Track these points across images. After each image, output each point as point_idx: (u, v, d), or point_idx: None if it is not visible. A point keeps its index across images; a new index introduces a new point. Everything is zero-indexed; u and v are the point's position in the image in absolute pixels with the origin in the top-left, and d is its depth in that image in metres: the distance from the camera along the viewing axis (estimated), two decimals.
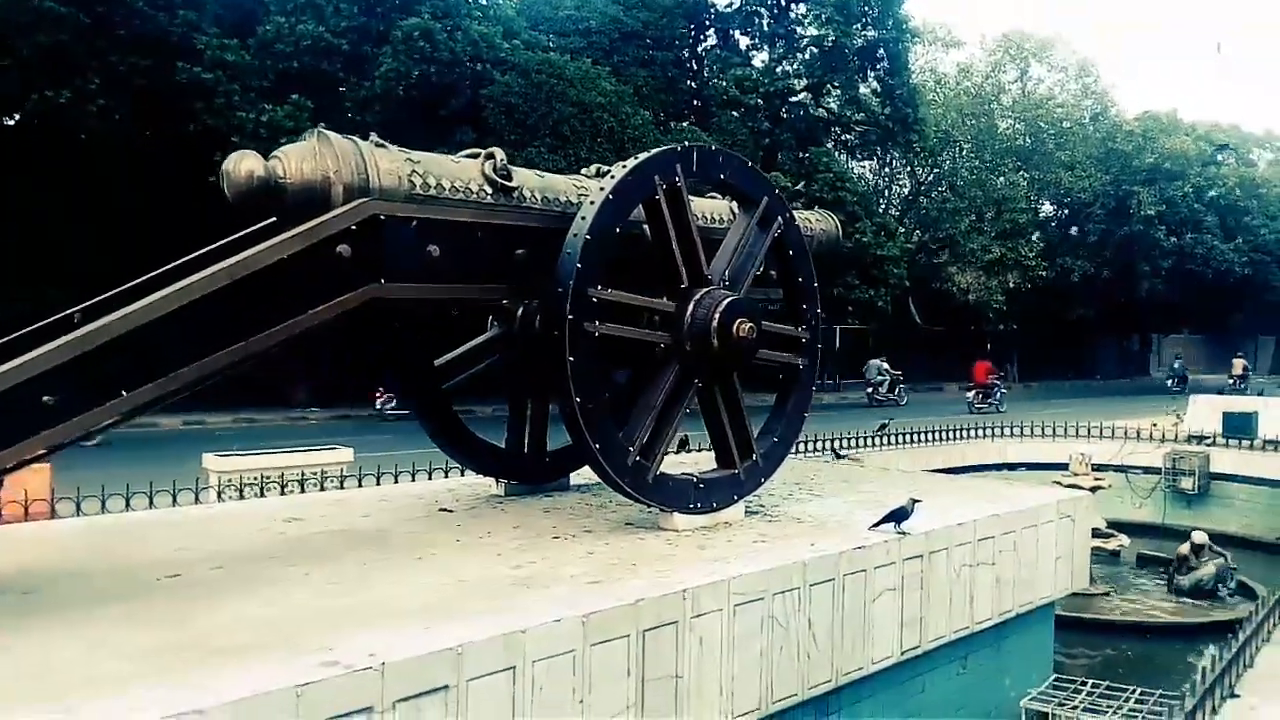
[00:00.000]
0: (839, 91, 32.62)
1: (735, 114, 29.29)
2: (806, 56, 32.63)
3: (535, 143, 21.00)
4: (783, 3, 32.33)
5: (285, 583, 4.07)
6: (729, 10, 32.75)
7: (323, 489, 8.16)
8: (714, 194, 6.42)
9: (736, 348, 5.26)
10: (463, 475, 7.16)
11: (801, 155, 30.44)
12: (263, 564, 4.44)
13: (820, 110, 33.26)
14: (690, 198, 6.28)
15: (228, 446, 11.47)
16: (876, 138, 35.09)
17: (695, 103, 31.11)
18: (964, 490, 6.92)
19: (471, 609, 3.68)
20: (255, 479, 8.90)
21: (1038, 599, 6.38)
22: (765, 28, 32.56)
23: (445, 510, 5.85)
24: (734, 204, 5.98)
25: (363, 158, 4.54)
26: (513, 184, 5.10)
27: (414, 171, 4.72)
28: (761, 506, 6.05)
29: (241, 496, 8.12)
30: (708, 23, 32.27)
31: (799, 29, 32.29)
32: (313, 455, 9.69)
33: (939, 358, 41.60)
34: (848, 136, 35.65)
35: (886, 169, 42.06)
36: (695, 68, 31.93)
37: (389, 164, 4.64)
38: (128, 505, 7.20)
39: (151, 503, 7.34)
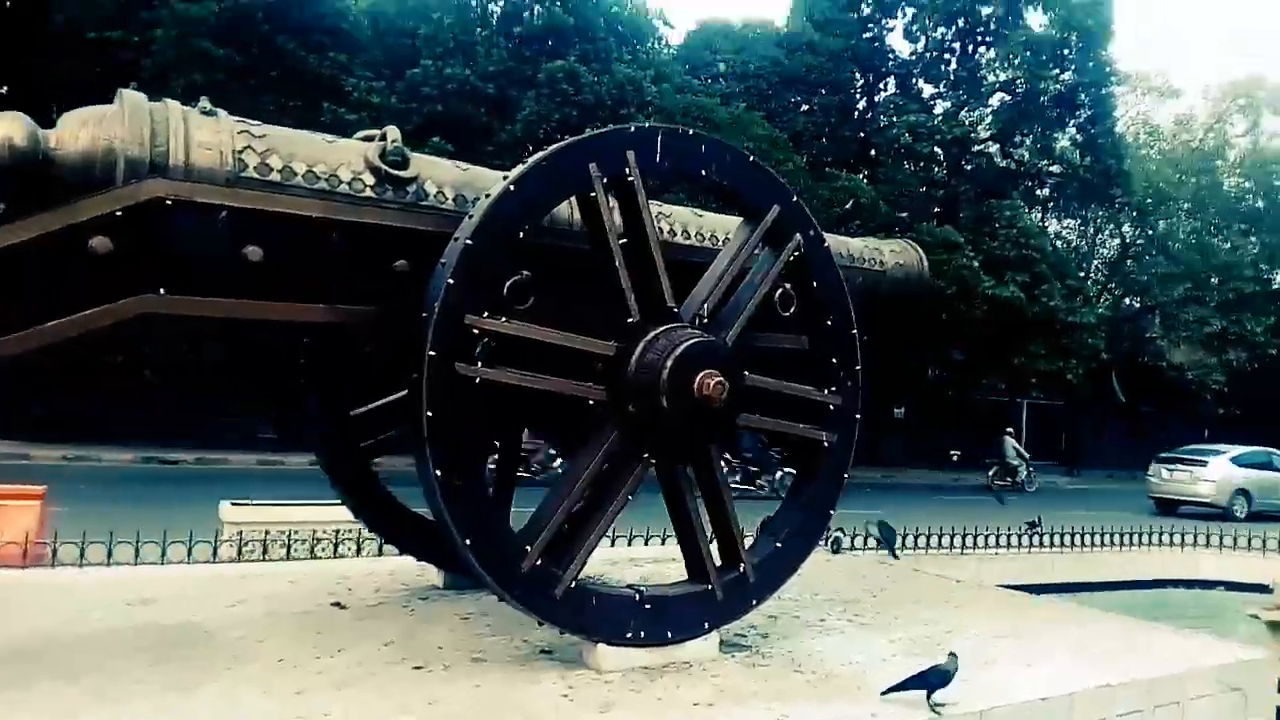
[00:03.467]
0: (1030, 140, 29.71)
1: (909, 165, 27.08)
2: (995, 104, 30.01)
3: (676, 188, 19.85)
4: (969, 48, 29.95)
5: None
6: (912, 57, 30.69)
7: (313, 554, 7.13)
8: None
9: (698, 410, 3.67)
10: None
11: (983, 210, 27.74)
12: None
13: (1007, 161, 30.38)
14: (690, 210, 4.83)
15: (303, 492, 10.65)
16: (1074, 192, 31.70)
17: (868, 152, 29.12)
18: (1074, 633, 4.87)
19: None
20: (265, 534, 7.94)
21: None
22: (950, 74, 30.22)
23: (338, 605, 4.51)
24: None
25: (166, 124, 3.36)
26: (405, 173, 3.79)
27: (248, 148, 3.49)
28: (761, 636, 4.34)
29: (265, 553, 7.13)
30: (884, 69, 30.31)
31: (987, 75, 29.77)
32: (333, 509, 8.69)
33: (1145, 440, 36.78)
34: (1040, 191, 32.43)
35: (1088, 228, 38.16)
36: (866, 114, 29.94)
37: (209, 135, 3.43)
38: (109, 557, 6.27)
39: (137, 556, 6.34)
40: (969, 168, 29.67)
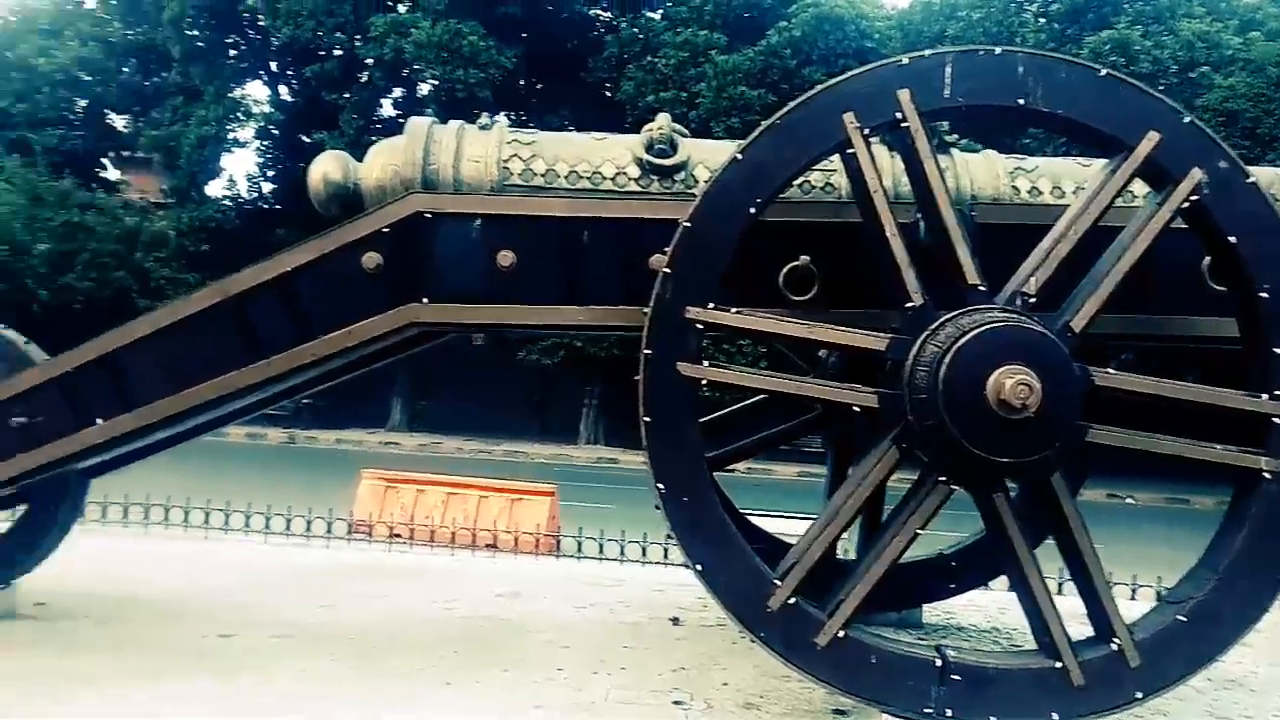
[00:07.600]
0: None
1: None
2: None
3: (1271, 155, 16.06)
4: None
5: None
6: None
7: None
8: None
9: (1000, 421, 2.72)
10: None
11: None
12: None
13: None
14: (1068, 161, 3.71)
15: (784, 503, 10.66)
16: None
17: None
18: None
19: None
20: None
21: None
22: None
23: (675, 621, 4.30)
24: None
25: (440, 144, 3.53)
26: (671, 161, 3.50)
27: (514, 156, 3.53)
28: None
29: None
30: None
31: None
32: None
33: None
34: None
35: None
36: None
37: (478, 148, 3.54)
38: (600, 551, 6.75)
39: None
40: None
